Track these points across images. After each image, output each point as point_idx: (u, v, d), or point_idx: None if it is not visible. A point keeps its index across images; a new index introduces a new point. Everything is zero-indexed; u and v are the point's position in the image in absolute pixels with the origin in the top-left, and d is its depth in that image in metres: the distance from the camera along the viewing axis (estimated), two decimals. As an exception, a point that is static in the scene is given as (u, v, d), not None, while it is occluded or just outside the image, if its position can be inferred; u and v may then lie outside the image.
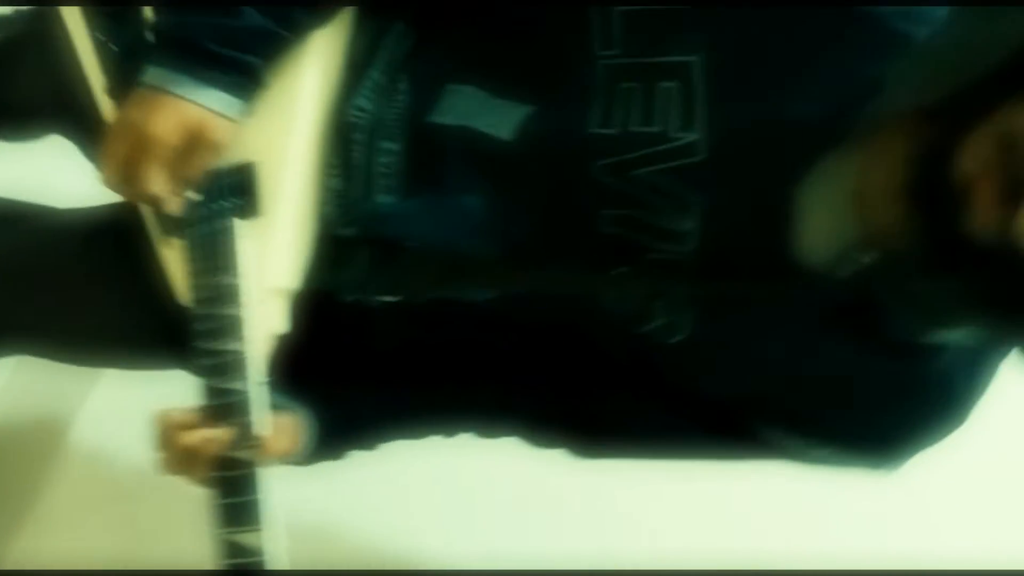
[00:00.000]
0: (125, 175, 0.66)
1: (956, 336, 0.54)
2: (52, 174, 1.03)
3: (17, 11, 0.85)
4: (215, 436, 0.65)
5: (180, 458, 0.67)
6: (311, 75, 0.69)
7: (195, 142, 0.66)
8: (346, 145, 0.69)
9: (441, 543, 1.28)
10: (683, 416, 0.67)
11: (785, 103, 0.55)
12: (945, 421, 0.61)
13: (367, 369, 0.75)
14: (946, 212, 0.49)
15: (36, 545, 1.28)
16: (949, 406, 0.60)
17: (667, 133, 0.57)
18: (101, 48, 0.75)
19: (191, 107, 0.65)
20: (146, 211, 0.74)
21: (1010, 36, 0.49)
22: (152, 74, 0.66)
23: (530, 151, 0.63)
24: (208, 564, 0.68)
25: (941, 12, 0.54)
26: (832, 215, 0.56)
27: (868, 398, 0.61)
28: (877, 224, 0.53)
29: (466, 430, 0.76)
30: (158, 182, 0.66)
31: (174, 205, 0.68)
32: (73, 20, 0.76)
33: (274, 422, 0.69)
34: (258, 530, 0.67)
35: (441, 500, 1.31)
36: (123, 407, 1.05)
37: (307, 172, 0.70)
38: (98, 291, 0.83)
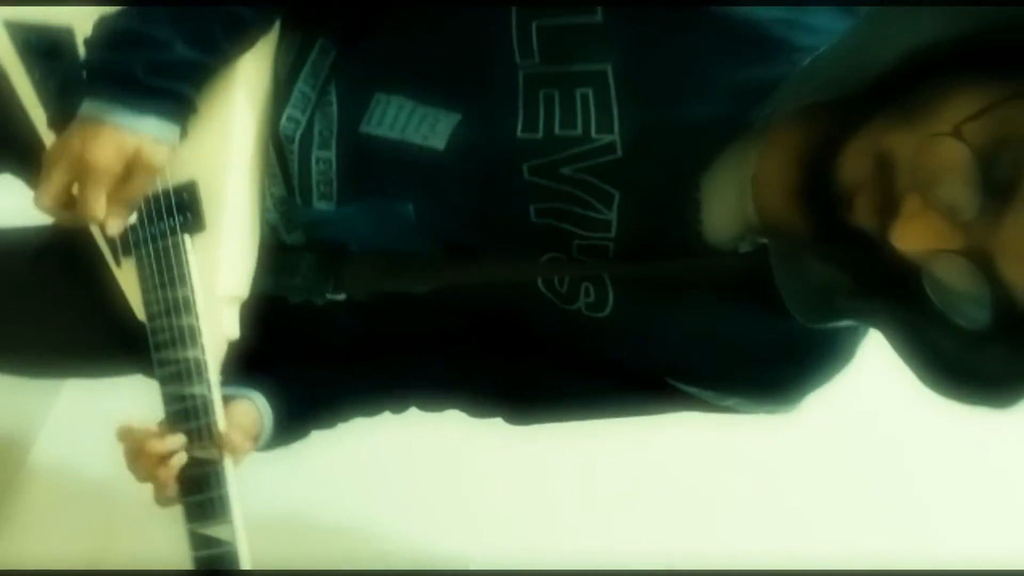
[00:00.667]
0: (66, 202, 0.70)
1: (834, 322, 0.60)
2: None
3: None
4: (178, 440, 0.70)
5: (150, 466, 0.72)
6: (241, 93, 0.74)
7: (133, 167, 0.70)
8: (282, 155, 0.74)
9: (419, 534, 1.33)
10: (607, 380, 0.73)
11: (686, 105, 0.61)
12: (832, 366, 0.69)
13: (322, 355, 0.81)
14: (831, 209, 0.55)
15: (9, 548, 1.32)
16: (835, 354, 0.69)
17: (589, 135, 0.63)
18: (39, 86, 0.80)
19: (128, 135, 0.69)
20: (97, 235, 0.78)
21: (889, 54, 0.54)
22: (89, 106, 0.70)
23: (462, 158, 0.68)
24: (178, 563, 0.73)
25: (832, 23, 0.61)
26: (732, 201, 0.62)
27: (767, 354, 0.68)
28: (770, 213, 0.60)
29: (413, 405, 0.83)
30: (100, 206, 0.70)
31: (115, 227, 0.72)
32: (11, 62, 0.80)
33: (232, 412, 0.74)
34: (228, 522, 0.72)
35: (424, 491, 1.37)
36: (86, 415, 1.09)
37: (247, 185, 0.75)
38: (51, 306, 0.88)
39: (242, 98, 0.74)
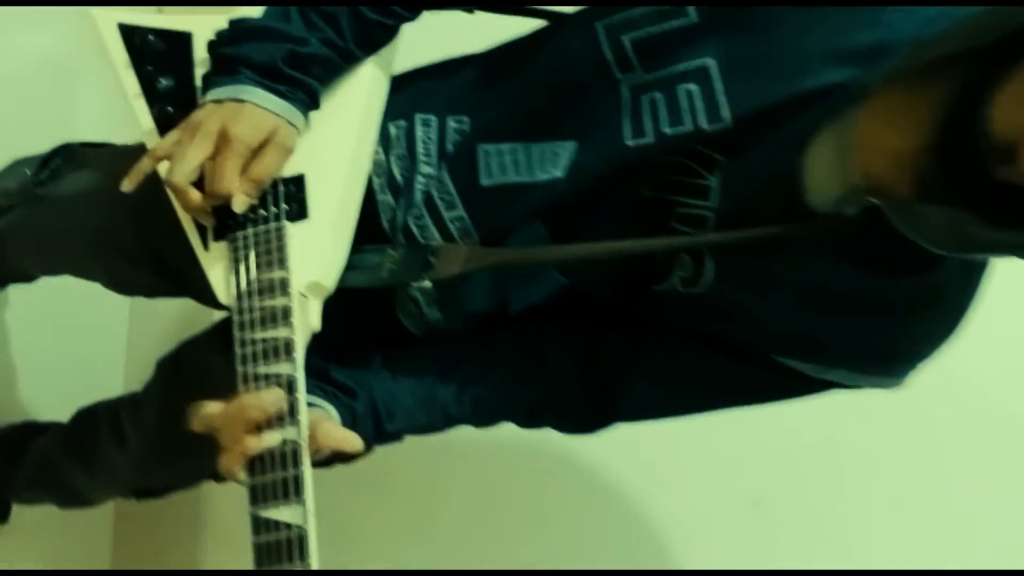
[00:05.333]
0: (207, 171, 0.74)
1: (973, 255, 0.62)
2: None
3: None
4: (279, 399, 0.69)
5: (239, 431, 0.69)
6: (358, 101, 0.81)
7: (268, 146, 0.75)
8: (411, 237, 0.79)
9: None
10: (706, 361, 0.75)
11: (792, 79, 0.64)
12: (942, 327, 0.69)
13: (393, 350, 0.82)
14: (974, 165, 0.55)
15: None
16: (944, 313, 0.68)
17: (700, 129, 0.66)
18: (148, 83, 0.83)
19: (268, 115, 0.75)
20: (187, 223, 0.79)
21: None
22: (227, 89, 0.76)
23: (582, 179, 0.73)
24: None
25: None
26: (832, 164, 0.63)
27: (875, 315, 0.68)
28: (877, 173, 0.61)
29: (470, 417, 0.83)
30: (235, 178, 0.74)
31: (242, 204, 0.75)
32: (120, 60, 0.84)
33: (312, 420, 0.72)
34: (299, 504, 0.69)
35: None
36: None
37: (351, 186, 0.79)
38: None
39: (359, 105, 0.81)
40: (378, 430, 0.81)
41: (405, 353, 0.83)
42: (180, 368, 0.96)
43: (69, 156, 0.93)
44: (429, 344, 0.84)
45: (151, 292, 0.99)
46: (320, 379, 0.78)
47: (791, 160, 0.65)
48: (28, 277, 1.09)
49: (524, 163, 0.76)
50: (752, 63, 0.66)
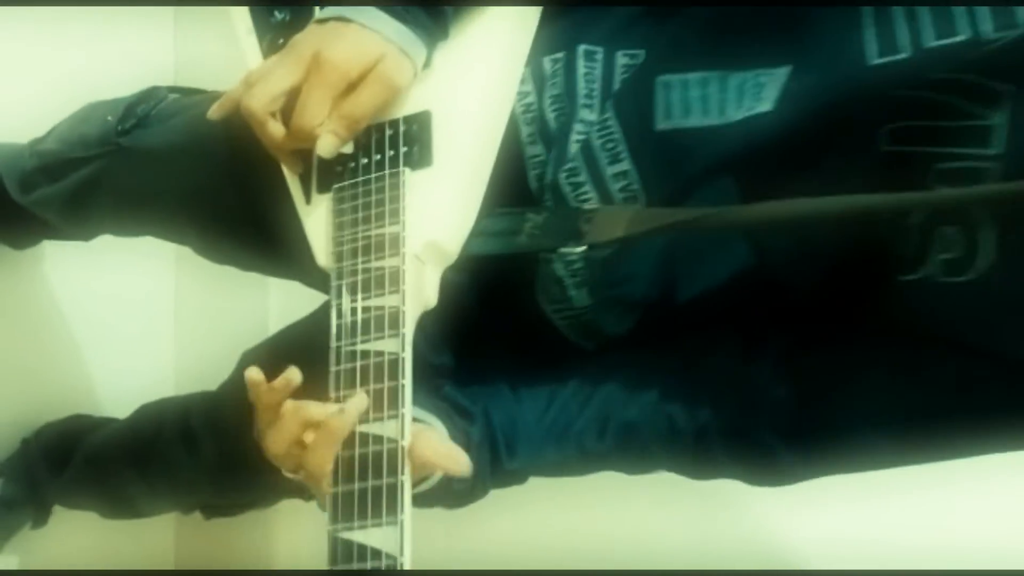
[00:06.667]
0: (291, 103, 0.59)
1: None
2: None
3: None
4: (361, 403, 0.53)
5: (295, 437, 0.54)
6: (504, 36, 0.65)
7: (369, 78, 0.59)
8: (572, 191, 0.62)
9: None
10: (962, 384, 0.53)
11: None
12: None
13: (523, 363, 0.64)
14: None
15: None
16: None
17: (981, 39, 0.48)
18: (263, 16, 0.71)
19: (374, 38, 0.60)
20: (289, 172, 0.65)
21: None
22: (333, 8, 0.61)
23: (796, 113, 0.54)
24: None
25: None
26: None
27: None
28: None
29: (619, 451, 0.62)
30: (323, 112, 0.58)
31: (329, 146, 0.60)
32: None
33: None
34: (393, 524, 0.51)
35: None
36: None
37: (488, 133, 0.63)
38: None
39: (503, 33, 0.65)
40: (495, 465, 0.62)
41: (536, 370, 0.64)
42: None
43: (158, 103, 0.81)
44: (567, 362, 0.65)
45: (244, 265, 0.85)
46: (431, 394, 0.61)
47: None
48: (91, 236, 0.97)
49: (716, 99, 0.57)
50: None
